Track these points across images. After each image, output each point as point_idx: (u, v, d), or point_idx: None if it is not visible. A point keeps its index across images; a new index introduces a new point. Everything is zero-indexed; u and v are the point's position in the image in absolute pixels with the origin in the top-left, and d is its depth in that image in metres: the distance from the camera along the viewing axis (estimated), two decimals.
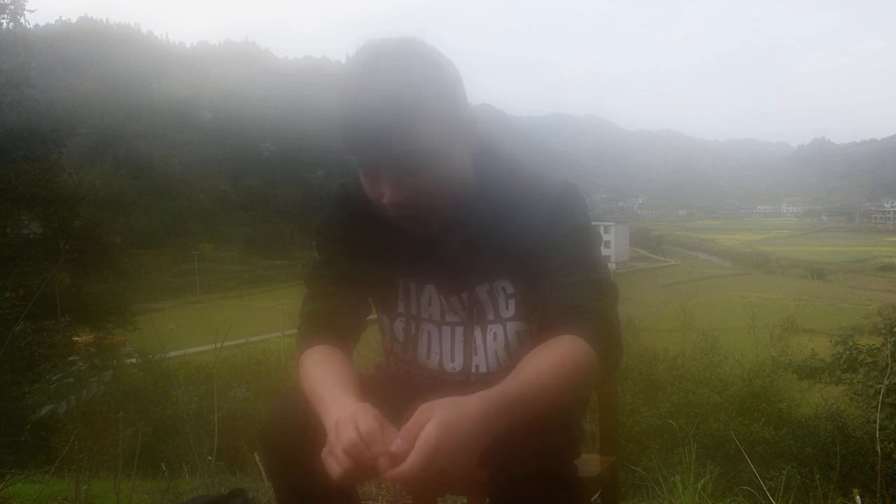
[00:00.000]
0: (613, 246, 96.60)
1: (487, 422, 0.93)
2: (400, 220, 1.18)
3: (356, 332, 1.30)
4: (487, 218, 1.21)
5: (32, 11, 20.13)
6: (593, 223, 1.24)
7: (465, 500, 1.18)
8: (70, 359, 2.76)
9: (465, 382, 1.28)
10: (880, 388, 6.92)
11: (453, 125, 1.11)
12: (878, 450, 4.36)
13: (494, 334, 1.27)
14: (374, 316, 1.36)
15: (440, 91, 1.08)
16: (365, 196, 1.19)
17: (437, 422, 0.91)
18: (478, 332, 1.28)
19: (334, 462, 0.94)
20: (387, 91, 1.04)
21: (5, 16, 18.10)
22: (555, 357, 1.05)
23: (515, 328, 1.26)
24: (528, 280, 1.21)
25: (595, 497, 1.76)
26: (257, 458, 1.25)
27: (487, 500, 1.07)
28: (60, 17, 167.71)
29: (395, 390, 1.27)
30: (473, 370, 1.28)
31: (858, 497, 2.50)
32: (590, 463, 1.52)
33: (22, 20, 18.42)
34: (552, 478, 1.03)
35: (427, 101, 1.05)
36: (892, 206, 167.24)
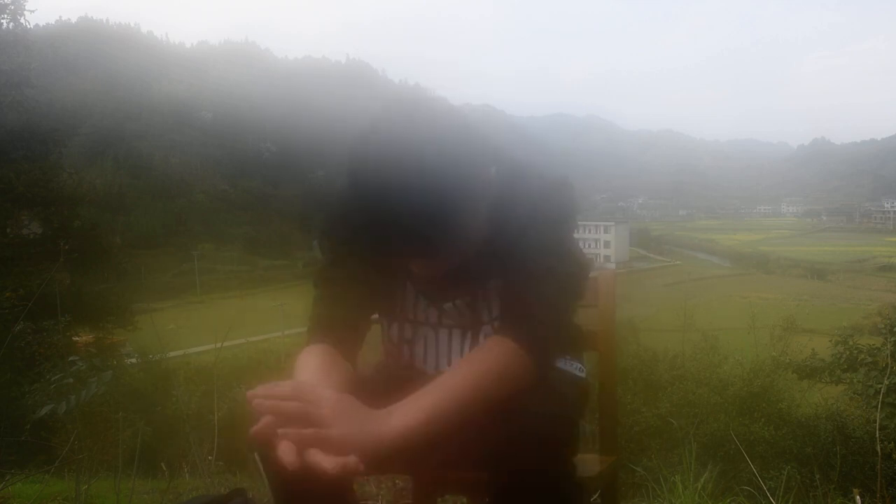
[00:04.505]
0: (613, 246, 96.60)
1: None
2: None
3: (361, 333, 1.31)
4: (489, 230, 1.20)
5: (32, 11, 20.18)
6: (575, 217, 1.24)
7: (465, 499, 1.18)
8: (70, 359, 2.77)
9: None
10: (880, 388, 6.93)
11: (475, 205, 1.10)
12: (878, 450, 4.37)
13: (485, 336, 1.27)
14: (377, 315, 1.37)
15: (463, 188, 1.05)
16: None
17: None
18: (473, 335, 1.29)
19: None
20: (413, 196, 1.00)
21: (5, 16, 18.13)
22: (473, 364, 1.09)
23: None
24: (511, 279, 1.22)
25: (595, 497, 1.76)
26: (257, 457, 1.24)
27: (487, 500, 1.07)
28: (60, 17, 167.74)
29: (390, 394, 1.28)
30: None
31: (858, 497, 2.50)
32: (590, 463, 1.52)
33: (22, 20, 18.48)
34: (551, 478, 1.03)
35: (450, 206, 1.03)
36: (892, 206, 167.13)
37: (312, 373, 1.15)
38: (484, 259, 1.22)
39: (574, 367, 1.37)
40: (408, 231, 1.03)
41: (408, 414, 1.01)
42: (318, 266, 1.33)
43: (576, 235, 1.25)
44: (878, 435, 5.34)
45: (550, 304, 1.16)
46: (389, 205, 1.01)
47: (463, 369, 1.08)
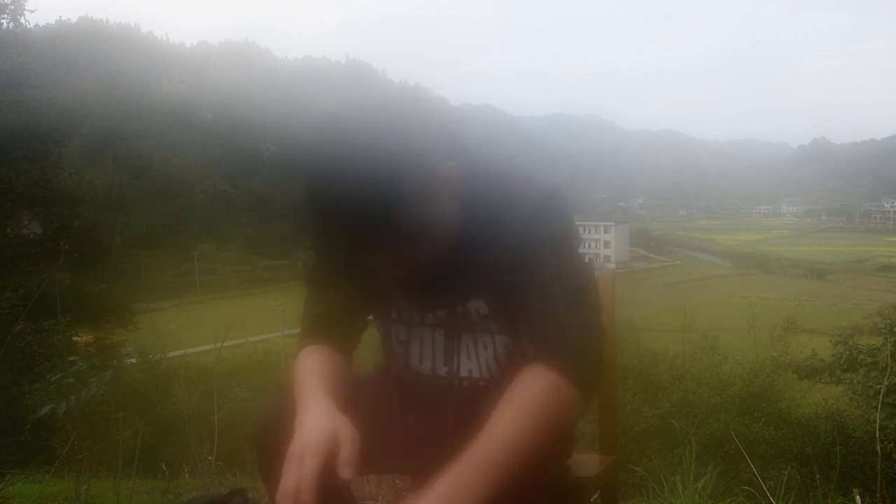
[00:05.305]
0: (613, 246, 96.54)
1: None
2: None
3: (356, 333, 1.31)
4: (465, 239, 1.16)
5: (32, 11, 20.16)
6: (575, 226, 1.20)
7: None
8: (70, 359, 2.77)
9: (457, 388, 1.27)
10: (880, 388, 6.93)
11: (424, 198, 1.03)
12: (878, 450, 4.36)
13: (485, 344, 1.25)
14: (372, 316, 1.36)
15: (407, 179, 0.99)
16: None
17: None
18: (468, 338, 1.26)
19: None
20: (364, 196, 0.97)
21: (5, 16, 18.11)
22: (526, 407, 1.02)
23: (503, 342, 1.24)
24: (505, 297, 1.18)
25: (595, 497, 1.76)
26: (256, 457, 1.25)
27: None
28: (60, 17, 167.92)
29: (388, 395, 1.27)
30: (466, 375, 1.26)
31: (858, 497, 2.50)
32: (589, 463, 1.52)
33: (22, 20, 18.43)
34: (545, 478, 1.03)
35: (388, 197, 0.98)
36: (892, 206, 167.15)
37: (315, 378, 1.14)
38: (464, 263, 1.18)
39: None
40: (346, 220, 1.00)
41: (472, 477, 0.95)
42: (310, 266, 1.32)
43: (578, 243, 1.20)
44: (878, 435, 5.34)
45: (585, 328, 1.11)
46: (327, 194, 0.99)
47: (513, 413, 1.01)
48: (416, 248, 1.07)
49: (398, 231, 1.01)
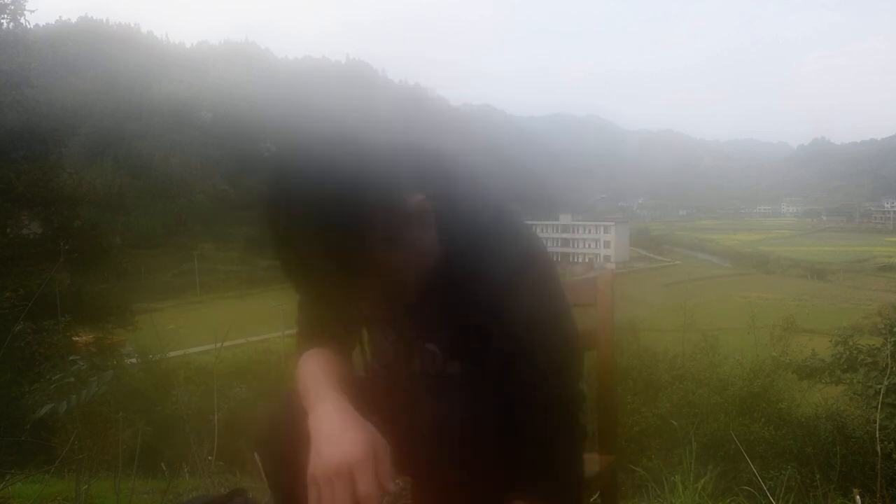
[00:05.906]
0: (613, 246, 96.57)
1: None
2: None
3: (352, 333, 1.31)
4: (437, 279, 1.13)
5: (32, 11, 20.15)
6: (561, 293, 1.17)
7: (465, 499, 1.18)
8: (70, 358, 2.77)
9: (450, 385, 1.26)
10: (880, 388, 6.93)
11: (387, 231, 0.99)
12: (878, 450, 4.37)
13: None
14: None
15: (368, 213, 0.95)
16: None
17: None
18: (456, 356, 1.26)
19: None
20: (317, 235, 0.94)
21: (5, 16, 18.10)
22: None
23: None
24: (465, 352, 1.19)
25: (595, 497, 1.76)
26: (257, 457, 1.24)
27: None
28: (60, 17, 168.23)
29: (383, 394, 1.27)
30: (455, 371, 1.26)
31: (858, 497, 2.50)
32: (589, 463, 1.52)
33: (22, 20, 18.42)
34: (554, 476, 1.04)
35: (352, 232, 0.95)
36: (892, 206, 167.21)
37: (327, 381, 1.14)
38: (429, 306, 1.16)
39: None
40: (304, 244, 0.96)
41: None
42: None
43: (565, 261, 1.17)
44: (878, 435, 5.35)
45: (570, 452, 1.12)
46: (290, 218, 0.96)
47: None
48: (383, 278, 1.04)
49: (357, 260, 0.97)
